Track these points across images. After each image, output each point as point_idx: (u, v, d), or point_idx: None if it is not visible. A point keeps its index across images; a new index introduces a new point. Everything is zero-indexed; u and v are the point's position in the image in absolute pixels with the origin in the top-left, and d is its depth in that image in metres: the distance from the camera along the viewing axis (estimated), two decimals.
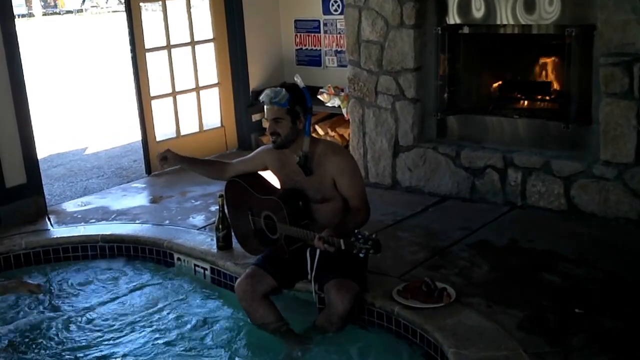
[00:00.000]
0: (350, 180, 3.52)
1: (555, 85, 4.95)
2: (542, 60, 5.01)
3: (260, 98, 3.52)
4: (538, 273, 3.77)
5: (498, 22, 4.76)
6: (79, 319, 3.88)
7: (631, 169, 4.27)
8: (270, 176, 3.82)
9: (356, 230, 3.12)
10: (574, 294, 3.54)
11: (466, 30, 4.93)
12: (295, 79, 3.51)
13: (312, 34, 6.54)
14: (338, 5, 6.25)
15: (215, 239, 4.25)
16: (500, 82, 5.18)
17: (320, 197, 3.54)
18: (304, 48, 6.63)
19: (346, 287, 3.36)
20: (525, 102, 5.12)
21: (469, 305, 3.42)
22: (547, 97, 5.00)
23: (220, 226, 4.18)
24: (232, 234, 4.15)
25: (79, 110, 10.23)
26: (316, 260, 3.48)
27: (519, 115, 4.95)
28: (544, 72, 5.02)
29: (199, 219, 4.86)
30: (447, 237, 4.29)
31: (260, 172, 3.84)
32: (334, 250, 3.21)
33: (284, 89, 3.44)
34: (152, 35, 6.24)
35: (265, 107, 3.50)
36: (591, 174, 4.41)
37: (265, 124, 6.61)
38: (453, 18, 4.95)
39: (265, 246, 3.70)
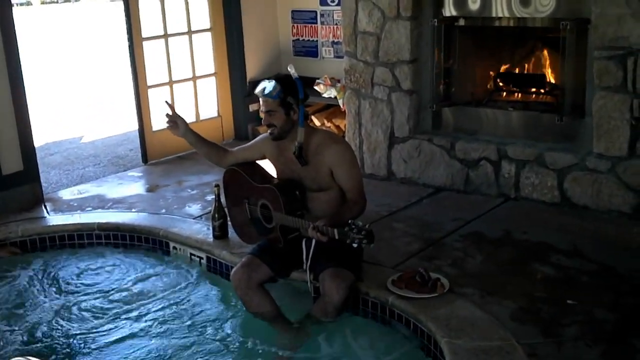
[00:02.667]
0: (347, 170, 3.53)
1: (550, 78, 4.97)
2: (537, 53, 5.04)
3: (255, 91, 3.55)
4: (531, 264, 3.80)
5: (494, 15, 4.77)
6: (74, 307, 3.89)
7: (624, 162, 4.29)
8: (267, 165, 3.84)
9: (350, 221, 3.14)
10: (567, 285, 3.57)
11: (462, 22, 4.95)
12: (289, 69, 3.53)
13: (309, 25, 6.54)
14: None
15: (211, 228, 4.27)
16: (495, 75, 5.20)
17: (317, 186, 3.56)
18: (300, 39, 6.64)
19: (341, 277, 3.38)
20: (520, 95, 5.14)
21: (463, 295, 3.45)
22: (542, 90, 5.02)
23: (216, 215, 4.20)
24: (228, 223, 4.18)
25: (76, 99, 10.22)
26: (312, 250, 3.50)
27: (514, 108, 4.98)
28: (538, 65, 5.04)
29: (195, 208, 4.87)
30: (441, 228, 4.32)
31: (258, 161, 3.86)
32: (327, 240, 3.23)
33: (274, 81, 3.46)
34: (149, 24, 6.23)
35: (259, 99, 3.53)
36: (584, 167, 4.44)
37: (262, 115, 6.63)
38: (449, 10, 4.96)
39: (260, 235, 3.72)
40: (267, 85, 3.46)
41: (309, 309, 3.55)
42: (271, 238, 3.63)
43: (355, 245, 3.10)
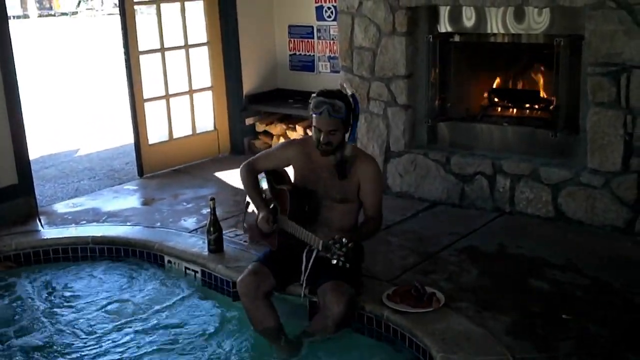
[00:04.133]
0: (374, 188, 3.57)
1: (544, 94, 5.00)
2: (531, 69, 5.07)
3: (315, 108, 3.44)
4: (526, 279, 3.81)
5: (488, 31, 4.82)
6: (67, 320, 3.88)
7: (618, 177, 4.31)
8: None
9: (336, 236, 3.14)
10: (562, 300, 3.58)
11: (457, 38, 5.00)
12: (344, 85, 3.54)
13: (306, 40, 6.57)
14: (332, 12, 6.29)
15: (206, 242, 4.27)
16: (490, 90, 5.23)
17: (341, 197, 3.56)
18: (297, 53, 6.67)
19: (342, 290, 3.36)
20: (515, 110, 5.17)
21: (458, 310, 3.45)
22: (536, 106, 5.06)
23: (211, 229, 4.20)
24: (224, 237, 4.18)
25: (72, 112, 10.21)
26: (311, 262, 3.50)
27: (508, 123, 5.01)
28: (533, 81, 5.08)
29: (190, 222, 4.87)
30: (436, 242, 4.33)
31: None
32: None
33: (339, 101, 3.42)
34: (146, 38, 6.25)
35: (316, 116, 3.45)
36: (578, 182, 4.46)
37: (258, 128, 6.65)
38: (444, 26, 5.00)
39: (262, 236, 3.66)
40: (335, 105, 3.40)
41: (305, 326, 3.53)
42: (269, 240, 3.60)
43: (334, 261, 3.12)
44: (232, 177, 5.86)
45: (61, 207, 5.37)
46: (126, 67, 5.94)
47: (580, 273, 3.84)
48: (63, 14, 37.83)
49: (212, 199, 4.14)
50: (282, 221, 3.51)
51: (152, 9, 6.27)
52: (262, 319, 3.50)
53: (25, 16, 35.81)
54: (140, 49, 5.98)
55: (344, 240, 3.11)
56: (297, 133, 6.24)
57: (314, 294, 3.53)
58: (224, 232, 4.28)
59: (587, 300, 3.57)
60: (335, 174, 3.55)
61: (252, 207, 3.72)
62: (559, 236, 4.38)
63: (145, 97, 6.08)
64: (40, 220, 5.04)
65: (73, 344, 3.66)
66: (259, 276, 3.51)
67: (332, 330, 3.40)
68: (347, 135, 3.50)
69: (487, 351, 3.09)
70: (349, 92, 3.49)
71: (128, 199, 5.54)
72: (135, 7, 5.94)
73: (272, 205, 3.58)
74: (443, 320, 3.34)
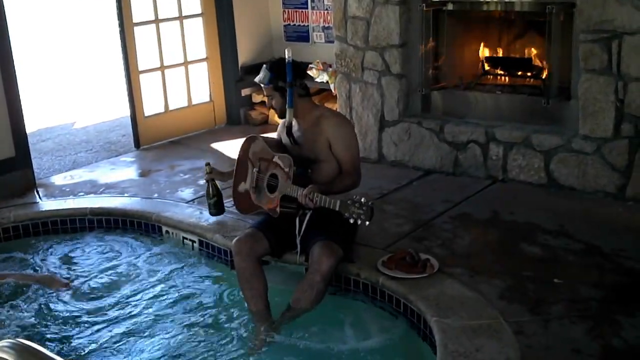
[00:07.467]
0: (343, 143, 3.62)
1: (537, 62, 5.01)
2: (524, 37, 5.07)
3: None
4: (519, 244, 3.86)
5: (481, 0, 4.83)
6: (66, 291, 3.91)
7: (609, 143, 4.35)
8: None
9: (355, 196, 3.19)
10: (554, 264, 3.63)
11: (450, 7, 4.99)
12: (285, 52, 3.62)
13: (300, 10, 6.55)
14: None
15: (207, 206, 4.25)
16: (483, 59, 5.24)
17: (314, 156, 3.62)
18: (292, 24, 6.65)
19: (331, 248, 3.42)
20: (507, 78, 5.19)
21: (452, 275, 3.50)
22: (529, 73, 5.07)
23: (210, 193, 4.17)
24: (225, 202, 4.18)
25: (68, 85, 10.17)
26: (305, 223, 3.56)
27: (501, 91, 5.03)
28: (525, 49, 5.08)
29: (187, 192, 4.91)
30: (430, 210, 4.37)
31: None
32: (315, 207, 3.31)
33: (266, 69, 3.66)
34: (140, 9, 6.23)
35: None
36: (570, 148, 4.49)
37: (255, 98, 6.70)
38: None
39: (259, 203, 3.70)
40: (261, 74, 3.67)
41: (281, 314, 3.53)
42: (269, 207, 3.62)
43: (352, 220, 3.16)
44: (229, 148, 5.89)
45: (59, 180, 5.40)
46: (120, 39, 5.92)
47: (572, 238, 3.89)
48: None
49: (207, 164, 4.12)
50: (286, 187, 3.51)
51: None
52: (250, 277, 3.53)
53: None
54: (135, 20, 5.96)
55: (363, 199, 3.16)
56: None
57: (308, 261, 3.58)
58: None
59: (578, 264, 3.62)
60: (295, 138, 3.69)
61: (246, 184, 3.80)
62: (551, 202, 4.43)
63: (140, 69, 6.07)
64: (38, 193, 5.06)
65: (69, 314, 3.70)
66: (254, 238, 3.59)
67: (319, 287, 3.42)
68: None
69: (480, 315, 3.14)
70: (288, 59, 3.60)
71: (125, 171, 5.56)
72: None
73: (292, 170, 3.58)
74: (437, 286, 3.39)
